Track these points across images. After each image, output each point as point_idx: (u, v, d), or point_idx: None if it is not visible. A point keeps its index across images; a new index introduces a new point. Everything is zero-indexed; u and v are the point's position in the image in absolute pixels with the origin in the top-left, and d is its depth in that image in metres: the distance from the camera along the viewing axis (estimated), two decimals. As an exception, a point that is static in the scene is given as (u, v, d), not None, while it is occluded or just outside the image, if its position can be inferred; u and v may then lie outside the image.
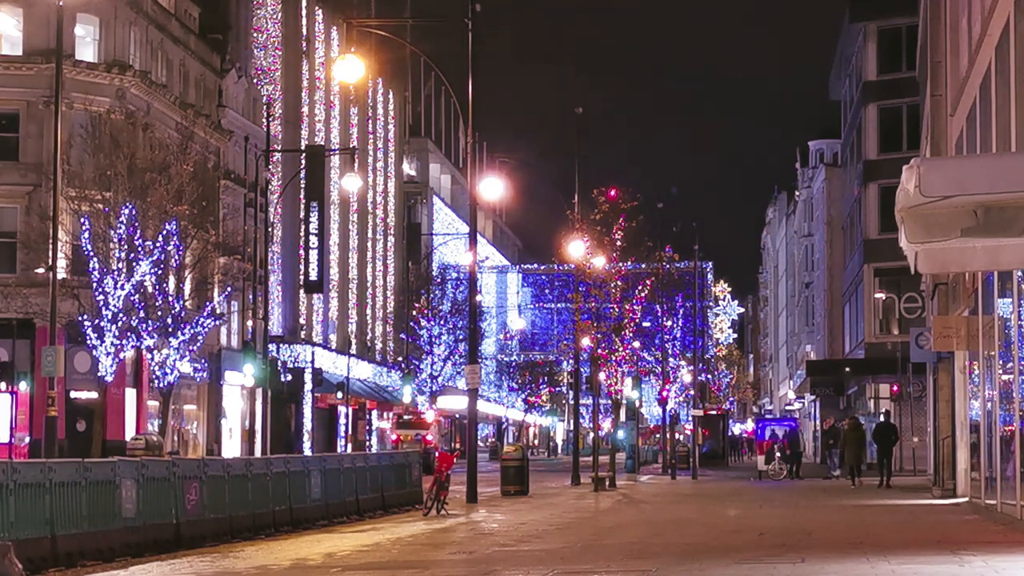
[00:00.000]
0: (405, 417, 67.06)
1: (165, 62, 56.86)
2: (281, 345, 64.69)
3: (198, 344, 48.78)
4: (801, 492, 35.46)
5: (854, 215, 71.85)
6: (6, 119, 50.96)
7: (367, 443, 75.15)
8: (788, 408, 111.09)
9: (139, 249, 43.54)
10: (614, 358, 50.41)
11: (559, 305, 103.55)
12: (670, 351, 69.24)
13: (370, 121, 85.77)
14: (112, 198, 44.45)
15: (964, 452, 30.15)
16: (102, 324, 43.20)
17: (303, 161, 65.10)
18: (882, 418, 46.60)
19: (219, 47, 62.89)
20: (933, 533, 18.93)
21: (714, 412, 77.40)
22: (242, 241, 58.27)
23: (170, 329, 45.25)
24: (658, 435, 76.43)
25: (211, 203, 51.62)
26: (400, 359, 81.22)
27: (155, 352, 45.88)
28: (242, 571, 14.93)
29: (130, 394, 51.78)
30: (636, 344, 61.39)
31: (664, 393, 62.21)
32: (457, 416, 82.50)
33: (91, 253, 43.15)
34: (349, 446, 69.85)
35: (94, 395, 45.13)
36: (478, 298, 37.83)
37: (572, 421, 61.99)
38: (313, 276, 68.29)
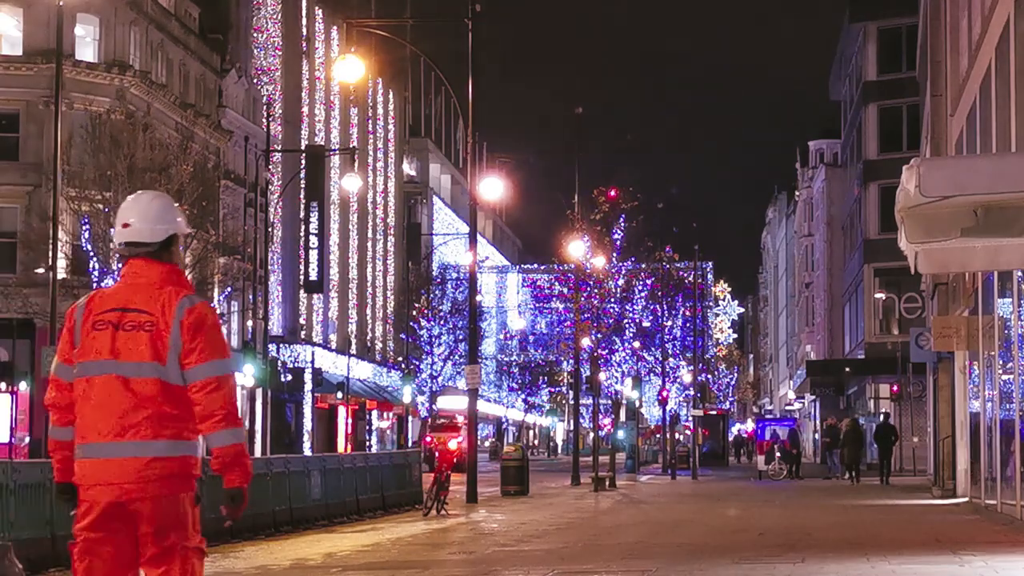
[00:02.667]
0: (439, 421, 68.12)
1: (165, 62, 56.87)
2: (281, 345, 64.67)
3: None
4: (801, 492, 35.47)
5: (854, 215, 71.87)
6: (6, 119, 50.96)
7: (367, 443, 75.18)
8: (788, 408, 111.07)
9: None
10: (614, 359, 50.44)
11: (560, 305, 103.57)
12: (670, 351, 69.21)
13: (370, 121, 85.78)
14: (112, 198, 44.44)
15: (964, 452, 30.14)
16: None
17: (303, 161, 65.11)
18: (882, 419, 46.88)
19: (219, 47, 62.90)
20: (933, 533, 18.93)
21: (714, 412, 77.42)
22: (242, 241, 58.26)
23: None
24: (658, 435, 76.39)
25: (211, 203, 51.63)
26: (400, 359, 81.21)
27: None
28: (242, 571, 14.93)
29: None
30: (636, 344, 61.43)
31: (664, 393, 62.19)
32: (457, 416, 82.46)
33: (91, 253, 43.14)
34: (349, 446, 69.85)
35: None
36: (478, 298, 37.82)
37: (572, 421, 61.97)
38: (313, 276, 68.31)
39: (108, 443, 5.89)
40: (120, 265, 6.26)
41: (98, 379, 5.94)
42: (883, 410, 55.83)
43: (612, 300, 48.93)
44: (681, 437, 69.91)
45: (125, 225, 6.10)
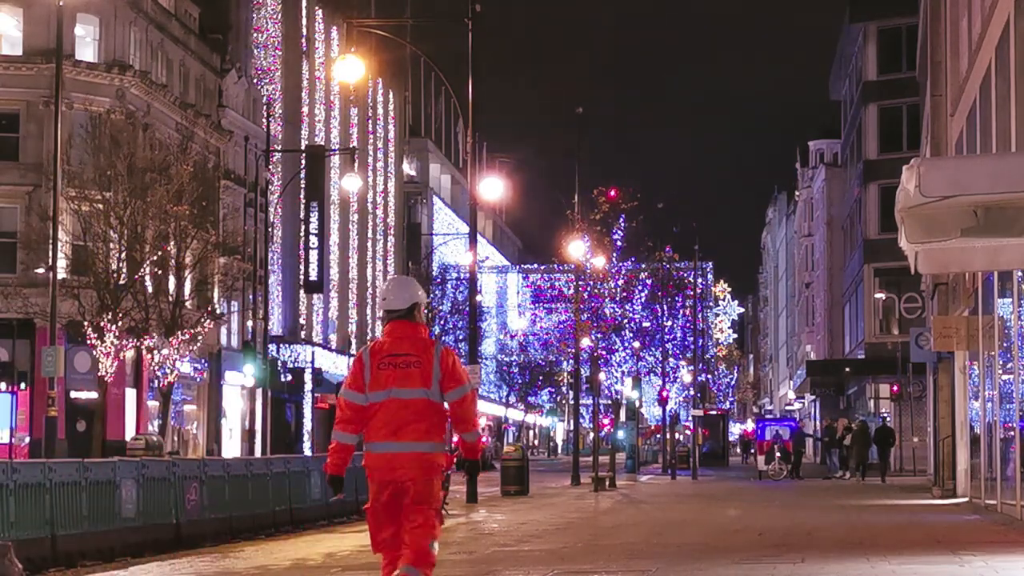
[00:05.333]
0: None
1: (165, 62, 56.84)
2: (281, 345, 64.66)
3: (198, 344, 48.74)
4: (801, 492, 35.46)
5: (854, 215, 71.87)
6: (6, 119, 50.92)
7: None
8: (788, 408, 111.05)
9: (139, 249, 43.52)
10: (614, 359, 50.43)
11: (560, 305, 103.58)
12: (670, 351, 69.19)
13: (370, 121, 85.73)
14: (112, 198, 44.42)
15: (964, 452, 30.15)
16: (102, 324, 43.17)
17: (303, 161, 65.08)
18: (881, 421, 47.29)
19: (219, 47, 62.87)
20: (933, 533, 18.92)
21: (714, 412, 77.40)
22: (242, 241, 58.21)
23: (170, 329, 45.22)
24: (658, 435, 76.38)
25: (211, 203, 51.59)
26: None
27: (155, 352, 45.85)
28: (242, 571, 14.93)
29: (130, 394, 51.77)
30: (636, 344, 61.43)
31: (664, 393, 62.19)
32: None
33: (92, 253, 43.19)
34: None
35: (94, 395, 45.08)
36: (478, 298, 37.80)
37: (572, 421, 61.96)
38: (313, 276, 68.28)
39: (393, 442, 8.93)
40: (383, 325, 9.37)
41: (386, 401, 8.95)
42: (883, 411, 55.89)
43: (612, 300, 48.93)
44: (681, 437, 69.89)
45: (384, 299, 9.25)
